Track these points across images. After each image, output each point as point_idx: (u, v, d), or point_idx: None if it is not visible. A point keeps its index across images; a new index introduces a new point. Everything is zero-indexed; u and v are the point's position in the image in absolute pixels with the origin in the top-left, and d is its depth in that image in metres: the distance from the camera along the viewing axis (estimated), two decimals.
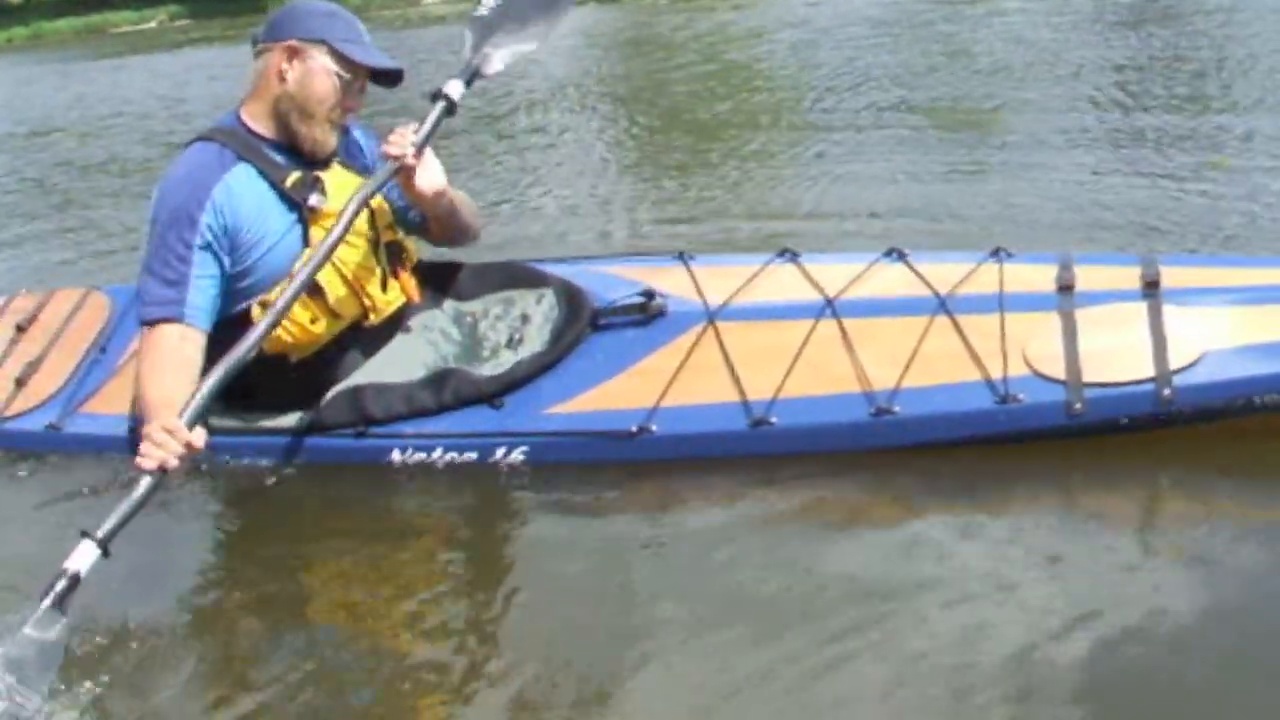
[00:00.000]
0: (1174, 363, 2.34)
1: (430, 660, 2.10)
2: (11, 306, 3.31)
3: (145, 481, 2.16)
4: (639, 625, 2.10)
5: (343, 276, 2.62)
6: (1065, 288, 2.51)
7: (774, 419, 2.45)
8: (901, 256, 2.72)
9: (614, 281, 2.80)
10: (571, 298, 2.75)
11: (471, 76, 2.77)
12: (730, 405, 2.48)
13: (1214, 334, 2.37)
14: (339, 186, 2.63)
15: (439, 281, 2.89)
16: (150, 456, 2.18)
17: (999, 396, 2.39)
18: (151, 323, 2.49)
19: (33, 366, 3.04)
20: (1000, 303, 2.50)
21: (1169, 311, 2.41)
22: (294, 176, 2.60)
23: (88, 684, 2.03)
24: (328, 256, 2.49)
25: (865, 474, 2.44)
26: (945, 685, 1.86)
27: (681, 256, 2.88)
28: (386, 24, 15.27)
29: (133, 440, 2.78)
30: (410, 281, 2.79)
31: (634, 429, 2.50)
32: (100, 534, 2.08)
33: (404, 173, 2.61)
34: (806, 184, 5.01)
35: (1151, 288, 2.46)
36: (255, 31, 2.71)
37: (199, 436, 2.23)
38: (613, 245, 4.22)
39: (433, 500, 2.57)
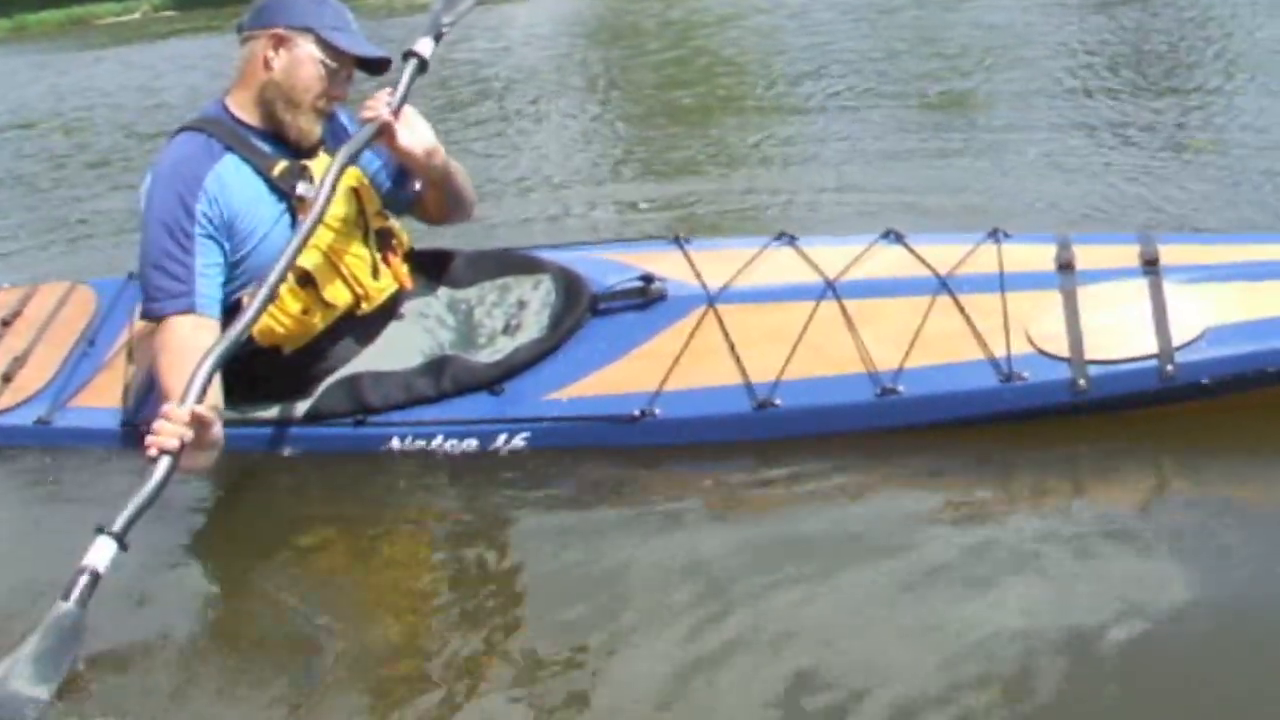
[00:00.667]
0: (1176, 339, 2.35)
1: (433, 648, 2.09)
2: None
3: (157, 472, 2.14)
4: (643, 610, 2.08)
5: (333, 265, 2.59)
6: (1065, 266, 2.51)
7: (778, 401, 2.45)
8: (899, 238, 2.71)
9: (611, 266, 2.78)
10: (569, 283, 2.73)
11: (438, 32, 2.74)
12: (734, 388, 2.48)
13: (1215, 310, 2.38)
14: (322, 174, 2.60)
15: (432, 269, 2.86)
16: (153, 445, 2.17)
17: (1003, 375, 2.39)
18: (163, 316, 2.46)
19: (19, 361, 2.99)
20: (1001, 282, 2.50)
21: (1170, 288, 2.42)
22: (281, 165, 2.57)
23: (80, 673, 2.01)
24: (315, 226, 2.45)
25: (870, 454, 2.43)
26: (951, 666, 1.85)
27: (677, 240, 2.86)
28: (371, 12, 15.17)
29: (124, 433, 2.77)
30: (402, 268, 2.76)
31: (638, 413, 2.48)
32: (116, 528, 2.06)
33: (386, 134, 2.58)
34: (797, 167, 5.01)
35: (1151, 265, 2.47)
36: (240, 19, 2.67)
37: (200, 408, 2.22)
38: (605, 231, 4.18)
39: (434, 488, 2.55)
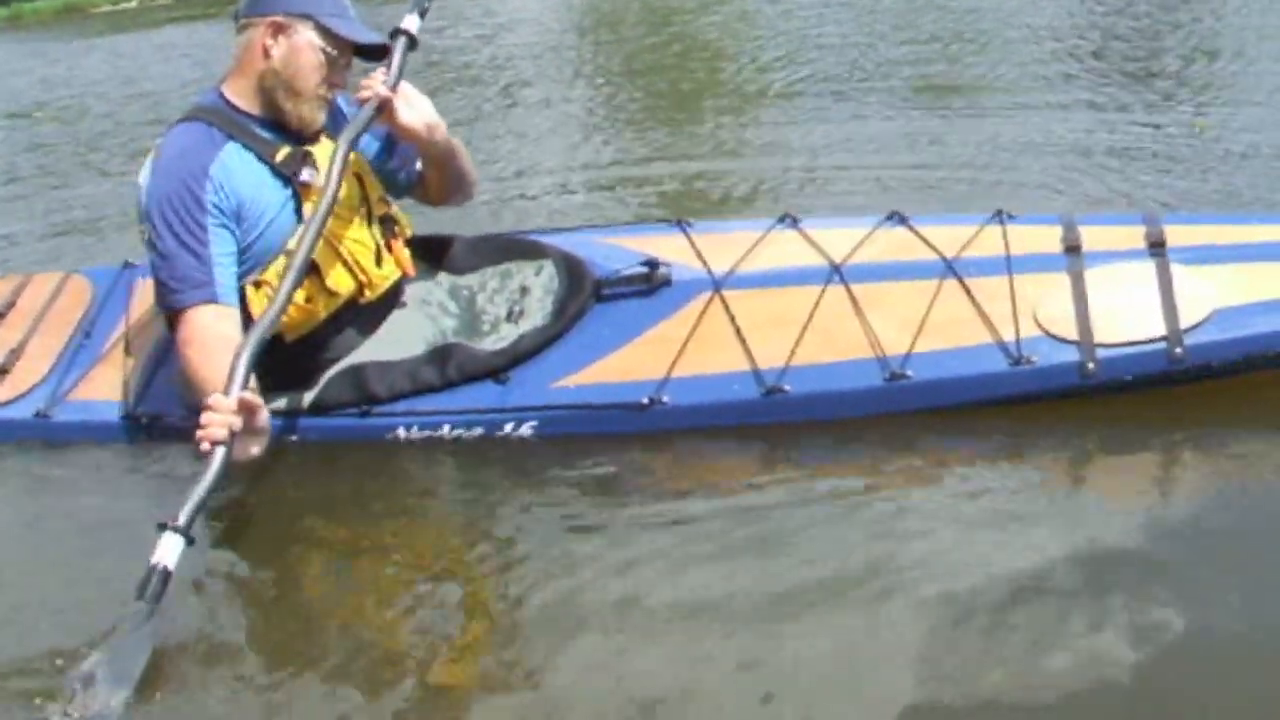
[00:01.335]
0: (1184, 321, 2.35)
1: (440, 639, 2.08)
2: None
3: (214, 464, 2.15)
4: (654, 601, 2.08)
5: (336, 252, 2.57)
6: (1072, 248, 2.51)
7: (787, 387, 2.44)
8: (903, 220, 2.70)
9: (614, 251, 2.77)
10: (572, 269, 2.71)
11: (424, 8, 2.72)
12: (742, 374, 2.47)
13: (1223, 292, 2.38)
14: (329, 161, 2.57)
15: (433, 255, 2.85)
16: (204, 438, 2.18)
17: (1012, 359, 2.38)
18: (185, 308, 2.43)
19: (15, 354, 2.96)
20: (1008, 265, 2.49)
21: (1177, 270, 2.42)
22: (284, 151, 2.54)
23: None
24: (326, 217, 2.44)
25: (878, 438, 2.43)
26: (961, 651, 1.86)
27: (680, 224, 2.84)
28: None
29: (126, 426, 2.75)
30: (404, 254, 2.74)
31: (646, 400, 2.47)
32: (181, 522, 2.07)
33: (387, 112, 2.56)
34: (797, 148, 4.98)
35: (1158, 247, 2.46)
36: (237, 6, 2.63)
37: (247, 393, 2.24)
38: (605, 214, 4.17)
39: (440, 478, 2.55)
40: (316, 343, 2.62)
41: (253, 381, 2.32)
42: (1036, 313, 2.42)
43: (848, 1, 9.17)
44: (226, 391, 2.22)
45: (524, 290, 2.74)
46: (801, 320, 2.48)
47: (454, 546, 2.41)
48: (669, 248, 2.73)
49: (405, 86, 2.59)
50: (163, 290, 2.48)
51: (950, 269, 2.50)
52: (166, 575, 2.03)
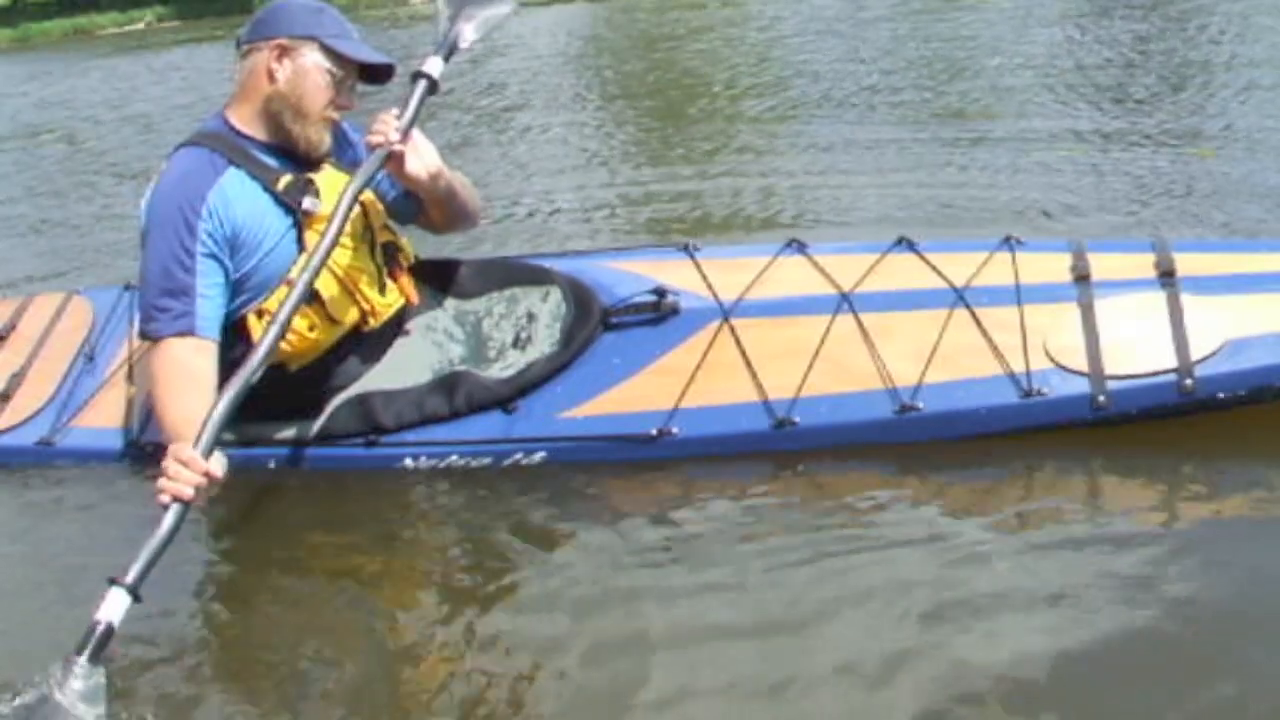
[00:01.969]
0: (1195, 353, 2.35)
1: (445, 672, 2.06)
2: None
3: (169, 518, 2.07)
4: (662, 628, 2.07)
5: (339, 281, 2.55)
6: (1082, 277, 2.50)
7: (797, 419, 2.43)
8: (911, 246, 2.68)
9: (620, 277, 2.75)
10: (580, 296, 2.69)
11: (450, 51, 2.69)
12: (752, 405, 2.46)
13: (1234, 322, 2.37)
14: (332, 188, 2.55)
15: (437, 281, 2.82)
16: (166, 490, 2.10)
17: (1023, 391, 2.38)
18: (160, 338, 2.41)
19: (17, 378, 2.93)
20: (1018, 294, 2.49)
21: (1188, 300, 2.41)
22: (286, 179, 2.52)
23: None
24: (325, 259, 2.41)
25: (889, 468, 2.43)
26: (971, 680, 1.85)
27: (686, 249, 2.83)
28: (375, 23, 15.07)
29: (130, 454, 2.72)
30: (408, 282, 2.72)
31: (654, 432, 2.46)
32: (129, 579, 1.99)
33: (394, 160, 2.54)
34: (801, 173, 4.98)
35: (1168, 276, 2.45)
36: (240, 32, 2.61)
37: (217, 464, 2.16)
38: (611, 238, 4.16)
39: (448, 509, 2.52)
40: (321, 371, 2.60)
41: None
42: (1047, 344, 2.42)
43: (855, 29, 9.20)
44: (196, 444, 2.14)
45: (531, 316, 2.72)
46: (811, 350, 2.47)
47: (462, 577, 2.39)
48: (675, 274, 2.72)
49: (414, 134, 2.56)
50: (143, 316, 2.46)
51: (960, 298, 2.49)
52: (109, 632, 1.95)
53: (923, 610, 2.02)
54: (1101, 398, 2.35)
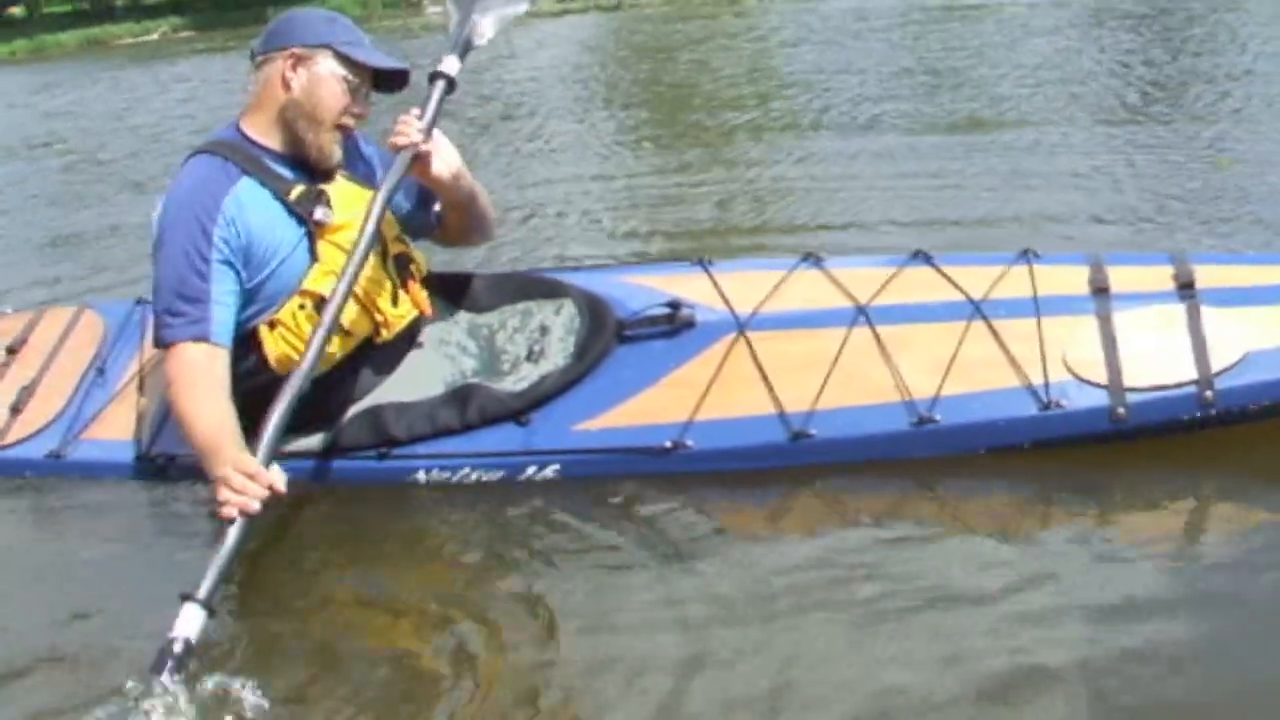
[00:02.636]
0: (1215, 365, 2.33)
1: (458, 685, 2.04)
2: None
3: (234, 532, 2.10)
4: (676, 643, 2.05)
5: (353, 292, 2.54)
6: (1100, 290, 2.49)
7: (813, 431, 2.41)
8: (928, 259, 2.68)
9: (635, 290, 2.74)
10: (594, 309, 2.68)
11: (465, 49, 2.70)
12: (768, 418, 2.44)
13: (1254, 334, 2.36)
14: (344, 199, 2.55)
15: (451, 293, 2.82)
16: (232, 504, 2.13)
17: (1041, 403, 2.36)
18: (174, 343, 2.40)
19: (28, 391, 2.92)
20: (1036, 307, 2.47)
21: (1207, 313, 2.39)
22: (299, 189, 2.52)
23: None
24: (363, 262, 2.43)
25: (905, 480, 2.41)
26: (988, 691, 1.84)
27: (702, 262, 2.82)
28: (388, 33, 15.15)
29: (141, 467, 2.71)
30: (421, 294, 2.71)
31: (669, 444, 2.44)
32: (202, 594, 2.01)
33: (419, 161, 2.54)
34: (820, 185, 4.97)
35: (1187, 289, 2.44)
36: (254, 44, 2.62)
37: (279, 477, 2.19)
38: (625, 251, 4.15)
39: (460, 522, 2.51)
40: (333, 384, 2.59)
41: (237, 428, 2.30)
42: (1065, 356, 2.40)
43: (863, 40, 9.22)
44: (257, 455, 2.19)
45: (544, 330, 2.71)
46: (827, 363, 2.45)
47: (475, 591, 2.37)
48: (691, 287, 2.71)
49: (435, 134, 2.57)
50: (157, 323, 2.46)
51: (977, 310, 2.48)
52: (189, 648, 1.97)
53: (939, 626, 2.00)
54: (1120, 410, 2.33)
